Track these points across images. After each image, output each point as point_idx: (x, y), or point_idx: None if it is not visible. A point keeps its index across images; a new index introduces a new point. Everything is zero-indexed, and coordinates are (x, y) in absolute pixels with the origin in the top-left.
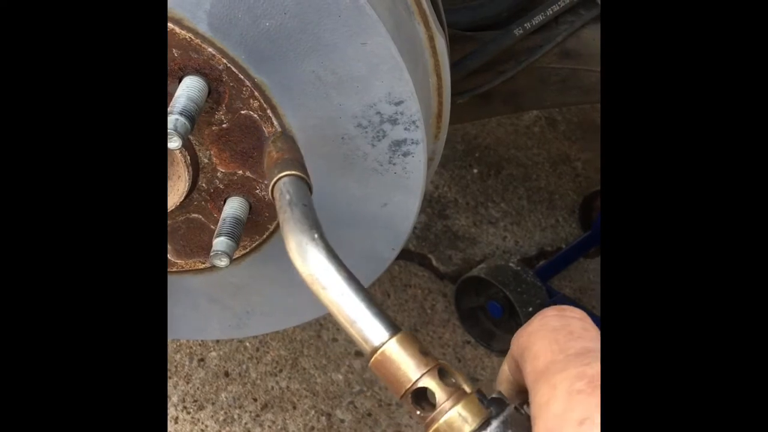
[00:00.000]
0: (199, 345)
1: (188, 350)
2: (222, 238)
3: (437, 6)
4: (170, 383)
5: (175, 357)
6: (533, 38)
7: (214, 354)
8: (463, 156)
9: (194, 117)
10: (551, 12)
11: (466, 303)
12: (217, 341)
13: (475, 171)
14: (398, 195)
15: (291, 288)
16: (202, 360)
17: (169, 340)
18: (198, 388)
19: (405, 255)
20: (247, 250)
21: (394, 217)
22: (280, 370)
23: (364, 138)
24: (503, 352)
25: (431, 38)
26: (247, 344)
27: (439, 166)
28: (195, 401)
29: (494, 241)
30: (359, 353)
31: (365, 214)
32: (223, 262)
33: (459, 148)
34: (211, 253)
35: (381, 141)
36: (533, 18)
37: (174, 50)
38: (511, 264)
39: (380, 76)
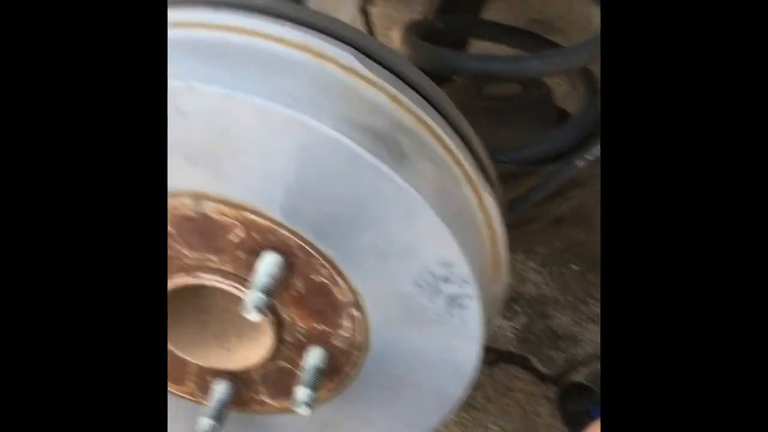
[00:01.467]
0: None
1: None
2: (303, 389)
3: (484, 169)
4: None
5: None
6: (596, 164)
7: None
8: (561, 254)
9: (272, 292)
10: None
11: (570, 407)
12: None
13: (575, 267)
14: (459, 341)
15: (372, 424)
16: None
17: None
18: None
19: (506, 357)
20: (332, 392)
21: (456, 360)
22: None
23: (422, 295)
24: None
25: (479, 198)
26: None
27: (539, 266)
28: None
29: (596, 339)
30: None
31: (430, 358)
32: (304, 411)
33: (557, 246)
34: (294, 403)
35: (437, 296)
36: (593, 147)
37: (254, 234)
38: None
39: (429, 244)
